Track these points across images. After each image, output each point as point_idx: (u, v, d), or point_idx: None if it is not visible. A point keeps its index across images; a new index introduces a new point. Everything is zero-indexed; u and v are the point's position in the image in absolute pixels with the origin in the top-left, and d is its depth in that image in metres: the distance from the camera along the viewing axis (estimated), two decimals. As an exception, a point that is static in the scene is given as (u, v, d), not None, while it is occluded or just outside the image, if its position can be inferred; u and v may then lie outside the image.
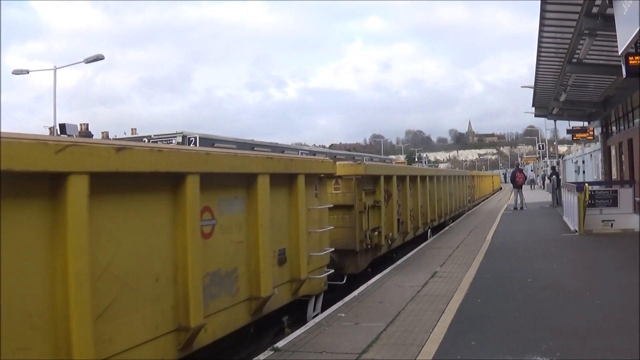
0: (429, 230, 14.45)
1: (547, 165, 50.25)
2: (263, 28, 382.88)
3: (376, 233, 9.53)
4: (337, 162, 8.29)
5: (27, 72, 29.11)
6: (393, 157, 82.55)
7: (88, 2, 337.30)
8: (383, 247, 10.01)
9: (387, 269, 9.71)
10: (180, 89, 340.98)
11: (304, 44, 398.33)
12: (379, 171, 10.22)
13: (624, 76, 9.91)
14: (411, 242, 12.57)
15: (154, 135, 23.72)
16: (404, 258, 10.97)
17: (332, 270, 6.97)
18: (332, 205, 7.20)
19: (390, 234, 10.38)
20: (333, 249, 7.13)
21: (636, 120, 17.80)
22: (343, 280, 8.32)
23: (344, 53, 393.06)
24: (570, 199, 15.36)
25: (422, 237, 13.67)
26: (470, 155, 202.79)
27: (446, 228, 16.91)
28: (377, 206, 9.63)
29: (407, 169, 15.28)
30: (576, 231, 13.61)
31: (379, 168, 10.98)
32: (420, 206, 13.12)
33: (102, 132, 37.91)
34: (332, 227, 7.05)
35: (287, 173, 5.80)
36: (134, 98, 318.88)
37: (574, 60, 14.79)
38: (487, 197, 37.14)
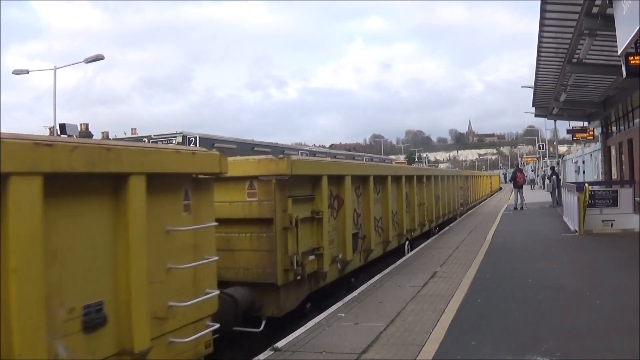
0: (407, 242, 11.93)
1: (547, 165, 50.25)
2: (263, 28, 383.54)
3: (312, 257, 6.83)
4: (247, 157, 6.51)
5: (27, 72, 29.13)
6: (393, 157, 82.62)
7: (88, 2, 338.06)
8: (328, 275, 7.31)
9: (386, 269, 9.69)
10: (180, 89, 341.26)
11: (304, 43, 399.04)
12: (319, 170, 7.27)
13: (624, 76, 9.90)
14: (382, 258, 10.16)
15: (154, 135, 23.74)
16: (404, 258, 10.96)
17: (217, 325, 4.56)
18: (216, 224, 4.65)
19: (340, 256, 7.67)
20: (218, 292, 4.65)
21: (636, 120, 17.80)
22: (260, 327, 6.03)
23: (344, 53, 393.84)
24: (570, 199, 15.36)
25: (397, 252, 11.18)
26: (470, 155, 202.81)
27: (446, 227, 16.90)
28: (317, 219, 7.01)
29: (369, 167, 11.59)
30: (576, 231, 13.61)
31: (318, 165, 7.52)
32: (394, 214, 10.69)
33: (102, 132, 37.93)
34: (215, 258, 4.56)
35: (98, 173, 3.41)
36: (134, 98, 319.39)
37: (574, 60, 14.79)
38: (485, 200, 34.74)
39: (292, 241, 6.26)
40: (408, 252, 11.61)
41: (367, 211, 9.00)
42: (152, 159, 3.86)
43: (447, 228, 16.89)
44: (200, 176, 4.49)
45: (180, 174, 4.25)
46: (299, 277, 6.40)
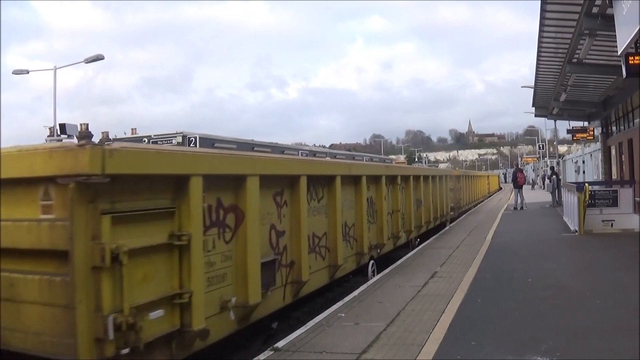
0: (371, 262, 9.40)
1: (547, 165, 50.24)
2: (264, 28, 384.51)
3: (158, 314, 4.16)
4: (31, 145, 3.90)
5: (27, 72, 29.10)
6: (393, 157, 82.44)
7: (89, 1, 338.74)
8: (212, 332, 4.66)
9: (387, 269, 9.68)
10: (181, 89, 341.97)
11: (305, 43, 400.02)
12: (183, 167, 4.51)
13: (624, 76, 9.91)
14: (329, 287, 7.94)
15: (154, 135, 23.71)
16: (404, 258, 10.94)
17: None
18: None
19: (235, 299, 5.09)
20: None
21: (636, 120, 17.80)
22: None
23: (345, 53, 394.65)
24: (570, 199, 15.36)
25: (358, 274, 8.95)
26: (470, 155, 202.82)
27: (446, 227, 16.88)
28: (179, 246, 4.41)
29: (300, 164, 7.11)
30: (576, 231, 13.61)
31: (178, 159, 4.53)
32: (347, 227, 8.32)
33: (102, 132, 37.88)
34: None
35: None
36: (135, 98, 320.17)
37: (574, 60, 14.79)
38: (481, 202, 32.63)
39: (109, 289, 3.76)
40: (373, 275, 9.25)
41: (296, 227, 6.51)
42: None
43: (448, 227, 16.87)
44: None
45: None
46: (126, 351, 3.79)
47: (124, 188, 3.96)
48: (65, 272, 3.66)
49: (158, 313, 4.18)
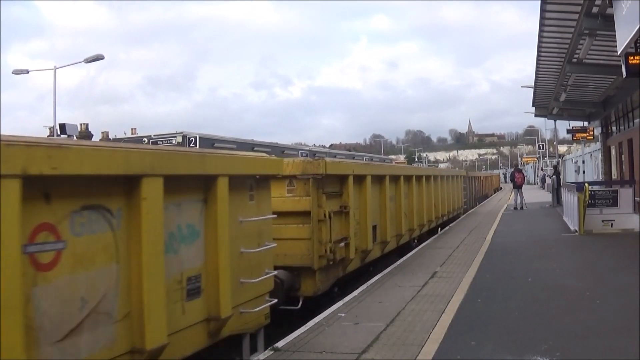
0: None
1: (547, 165, 50.24)
2: (269, 27, 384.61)
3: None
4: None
5: (27, 72, 29.12)
6: (393, 157, 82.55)
7: (92, 0, 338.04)
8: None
9: (387, 269, 9.70)
10: (184, 88, 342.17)
11: (310, 42, 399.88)
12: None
13: (624, 76, 9.91)
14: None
15: (154, 135, 23.71)
16: (404, 258, 10.97)
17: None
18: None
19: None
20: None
21: (636, 120, 17.80)
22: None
23: (350, 52, 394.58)
24: (570, 199, 15.35)
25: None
26: (470, 155, 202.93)
27: (446, 228, 16.90)
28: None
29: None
30: (576, 231, 13.61)
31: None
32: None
33: (102, 132, 37.92)
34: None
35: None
36: (137, 97, 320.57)
37: (574, 60, 14.80)
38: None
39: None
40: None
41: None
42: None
43: (447, 228, 16.88)
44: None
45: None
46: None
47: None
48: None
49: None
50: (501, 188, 55.88)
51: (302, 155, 26.79)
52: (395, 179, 10.76)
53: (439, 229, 16.33)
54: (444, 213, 16.61)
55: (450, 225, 17.80)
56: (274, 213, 5.99)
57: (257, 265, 5.14)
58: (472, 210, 24.29)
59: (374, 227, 9.24)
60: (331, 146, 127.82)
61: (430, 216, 14.22)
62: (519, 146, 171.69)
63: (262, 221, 5.30)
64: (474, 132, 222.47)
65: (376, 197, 9.54)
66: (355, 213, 8.23)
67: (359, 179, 8.57)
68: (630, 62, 9.48)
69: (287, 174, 6.80)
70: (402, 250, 11.54)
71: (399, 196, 10.90)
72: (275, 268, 6.06)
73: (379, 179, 9.72)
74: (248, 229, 5.02)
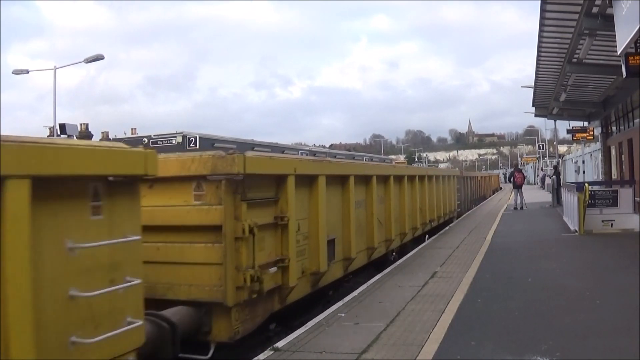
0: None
1: (547, 166, 50.23)
2: (269, 27, 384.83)
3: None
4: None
5: (27, 72, 29.12)
6: (393, 157, 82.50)
7: (92, 0, 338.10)
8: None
9: (387, 269, 9.68)
10: (184, 88, 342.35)
11: (310, 42, 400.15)
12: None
13: (624, 76, 9.92)
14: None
15: (154, 135, 23.70)
16: (404, 258, 10.96)
17: None
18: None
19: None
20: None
21: (636, 120, 17.80)
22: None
23: (350, 52, 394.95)
24: (570, 199, 15.35)
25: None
26: (470, 155, 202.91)
27: (455, 221, 16.87)
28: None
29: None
30: (576, 231, 13.61)
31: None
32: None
33: (102, 132, 37.89)
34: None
35: None
36: (137, 97, 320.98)
37: (574, 60, 14.80)
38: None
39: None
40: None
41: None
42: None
43: (447, 228, 16.87)
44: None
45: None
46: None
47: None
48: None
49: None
50: (501, 188, 55.86)
51: (302, 155, 26.77)
52: (364, 180, 8.96)
53: (427, 236, 14.36)
54: (433, 218, 14.68)
55: (450, 225, 17.79)
56: (174, 227, 5.03)
57: (108, 314, 3.51)
58: (467, 214, 22.60)
59: (331, 242, 7.33)
60: (331, 146, 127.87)
61: (415, 223, 12.49)
62: (519, 146, 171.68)
63: (119, 246, 3.62)
64: (474, 132, 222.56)
65: (336, 203, 7.73)
66: (300, 225, 6.41)
67: (309, 181, 6.79)
68: (630, 62, 9.49)
69: (194, 174, 5.18)
70: (380, 264, 9.93)
71: (370, 201, 9.07)
72: (179, 303, 5.02)
73: (340, 180, 7.92)
74: (88, 259, 3.40)
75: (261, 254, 5.53)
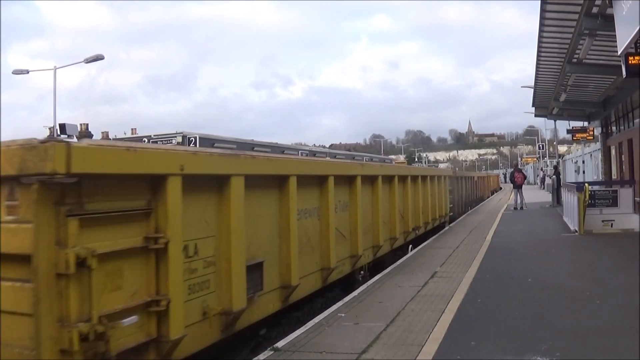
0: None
1: (547, 166, 50.25)
2: (269, 27, 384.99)
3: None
4: None
5: (27, 72, 29.14)
6: (393, 157, 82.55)
7: (93, 0, 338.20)
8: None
9: (386, 269, 9.68)
10: (184, 88, 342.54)
11: (310, 42, 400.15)
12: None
13: (624, 76, 9.93)
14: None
15: (154, 135, 23.73)
16: (404, 258, 10.96)
17: None
18: None
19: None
20: None
21: (636, 120, 17.81)
22: None
23: (351, 52, 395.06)
24: (570, 199, 15.35)
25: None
26: (470, 155, 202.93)
27: (446, 228, 16.88)
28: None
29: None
30: (576, 231, 13.61)
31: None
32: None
33: (102, 132, 37.91)
34: None
35: None
36: (138, 97, 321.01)
37: (574, 60, 14.80)
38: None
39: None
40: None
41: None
42: None
43: (447, 228, 16.87)
44: None
45: None
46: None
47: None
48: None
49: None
50: (501, 188, 55.87)
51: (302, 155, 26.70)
52: (318, 181, 7.09)
53: (410, 246, 12.31)
54: (418, 225, 12.80)
55: (450, 225, 17.79)
56: None
57: None
58: (460, 218, 20.51)
59: (256, 266, 5.45)
60: (331, 146, 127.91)
61: (394, 232, 10.62)
62: (519, 146, 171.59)
63: None
64: (474, 132, 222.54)
65: (268, 213, 5.83)
66: (198, 247, 4.56)
67: (216, 184, 4.87)
68: (630, 62, 9.50)
69: (4, 174, 3.37)
70: (347, 284, 8.35)
71: (326, 208, 7.18)
72: None
73: (277, 183, 6.03)
74: None
75: (112, 297, 3.71)
